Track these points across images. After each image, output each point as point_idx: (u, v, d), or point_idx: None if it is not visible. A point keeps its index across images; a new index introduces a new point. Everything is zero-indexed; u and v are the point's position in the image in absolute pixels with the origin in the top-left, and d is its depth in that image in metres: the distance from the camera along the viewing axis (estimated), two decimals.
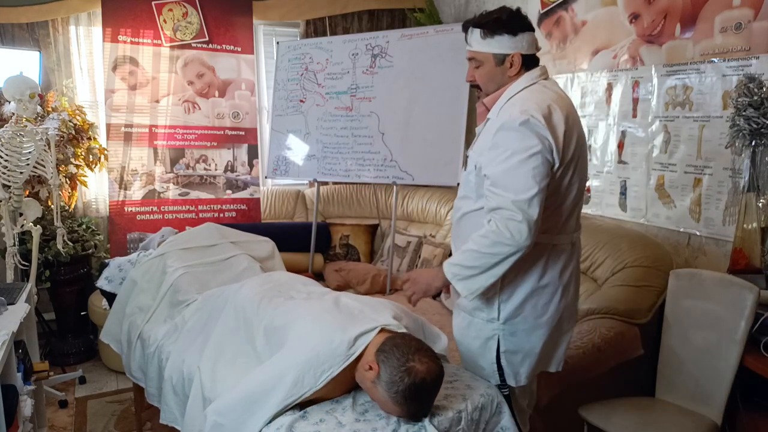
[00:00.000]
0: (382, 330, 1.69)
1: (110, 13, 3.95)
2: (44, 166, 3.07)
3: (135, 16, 4.02)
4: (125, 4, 3.98)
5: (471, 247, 1.62)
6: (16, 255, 2.97)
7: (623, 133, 3.09)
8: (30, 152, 2.93)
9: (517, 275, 1.73)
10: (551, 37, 3.56)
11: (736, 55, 2.49)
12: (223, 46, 4.26)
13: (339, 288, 3.78)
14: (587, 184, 3.33)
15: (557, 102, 1.67)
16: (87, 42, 4.08)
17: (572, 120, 1.69)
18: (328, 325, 1.72)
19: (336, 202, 4.56)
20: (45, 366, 2.44)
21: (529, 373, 1.81)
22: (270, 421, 1.58)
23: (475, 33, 1.73)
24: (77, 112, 3.79)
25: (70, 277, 3.68)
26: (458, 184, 1.94)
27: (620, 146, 3.11)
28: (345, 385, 1.69)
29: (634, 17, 2.98)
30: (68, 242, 3.48)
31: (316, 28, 4.60)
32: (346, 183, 4.54)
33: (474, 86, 1.83)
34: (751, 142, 2.23)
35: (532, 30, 1.75)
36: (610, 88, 3.15)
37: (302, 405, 1.63)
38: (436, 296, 3.65)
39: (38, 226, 3.09)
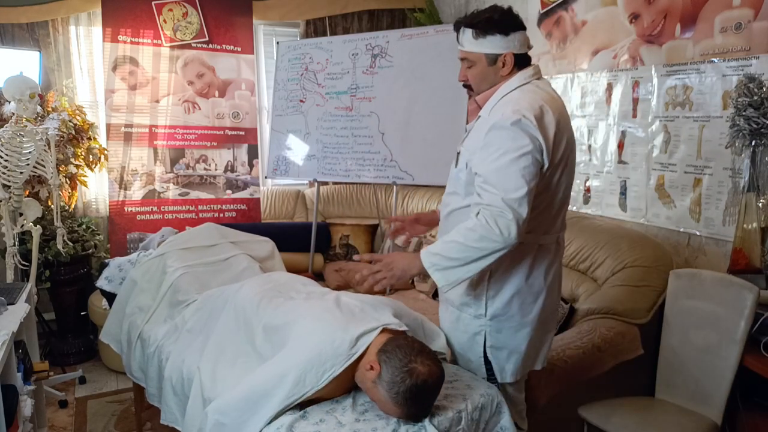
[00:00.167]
0: (384, 330, 1.69)
1: (110, 13, 3.95)
2: (44, 166, 3.07)
3: (135, 16, 4.02)
4: (125, 4, 3.98)
5: (455, 238, 1.60)
6: (16, 255, 2.97)
7: (623, 133, 3.09)
8: (30, 152, 2.93)
9: (504, 273, 1.74)
10: (551, 37, 3.56)
11: (736, 55, 2.49)
12: (223, 46, 4.27)
13: (339, 288, 3.77)
14: (587, 184, 3.34)
15: (549, 103, 1.68)
16: (87, 42, 4.08)
17: (563, 121, 1.70)
18: (330, 324, 1.72)
19: (336, 202, 4.56)
20: (45, 366, 2.44)
21: (514, 371, 1.82)
22: (271, 421, 1.58)
23: (467, 33, 1.73)
24: (77, 112, 3.79)
25: (70, 277, 3.68)
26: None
27: (620, 146, 3.11)
28: (345, 385, 1.69)
29: (634, 17, 2.98)
30: (68, 242, 3.48)
31: (316, 28, 4.60)
32: (346, 183, 4.54)
33: (466, 86, 1.83)
34: (751, 142, 2.23)
35: (524, 29, 1.75)
36: (610, 88, 3.15)
37: (302, 405, 1.63)
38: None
39: (38, 226, 3.09)
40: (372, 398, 1.62)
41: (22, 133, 2.91)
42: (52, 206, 3.28)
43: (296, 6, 4.49)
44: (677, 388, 2.33)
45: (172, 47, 4.12)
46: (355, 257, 1.84)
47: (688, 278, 2.39)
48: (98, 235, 3.88)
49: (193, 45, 4.18)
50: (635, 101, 3.00)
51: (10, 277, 2.97)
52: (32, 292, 2.68)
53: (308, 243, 4.09)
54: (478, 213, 1.59)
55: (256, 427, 1.57)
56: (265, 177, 4.44)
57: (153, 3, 4.05)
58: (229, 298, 2.13)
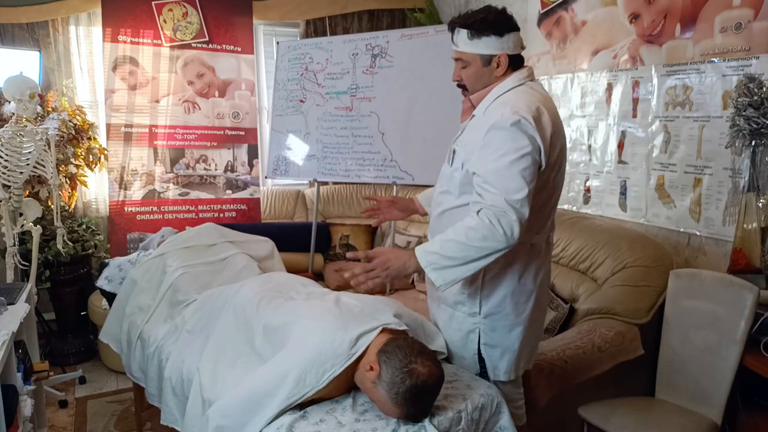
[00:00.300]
0: (384, 330, 1.69)
1: (110, 13, 3.95)
2: (44, 166, 3.07)
3: (135, 16, 4.02)
4: (125, 4, 3.98)
5: (455, 238, 1.59)
6: (16, 255, 2.97)
7: (623, 133, 3.09)
8: (30, 152, 2.93)
9: (498, 272, 1.75)
10: (551, 37, 3.56)
11: (736, 55, 2.49)
12: (223, 46, 4.27)
13: (339, 288, 3.77)
14: (587, 184, 3.34)
15: (544, 104, 1.70)
16: (87, 42, 4.08)
17: (558, 123, 1.73)
18: (330, 324, 1.72)
19: (336, 202, 4.56)
20: (45, 366, 2.44)
21: (507, 370, 1.83)
22: (271, 421, 1.58)
23: (462, 33, 1.74)
24: (77, 112, 3.79)
25: (70, 277, 3.68)
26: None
27: (620, 146, 3.11)
28: (345, 385, 1.69)
29: (634, 17, 2.98)
30: (68, 242, 3.48)
31: (316, 28, 4.60)
32: (346, 183, 4.54)
33: (460, 86, 1.84)
34: (751, 142, 2.23)
35: (518, 30, 1.76)
36: (610, 88, 3.15)
37: (302, 405, 1.63)
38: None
39: (38, 226, 3.09)
40: (372, 398, 1.62)
41: (22, 133, 2.91)
42: (52, 206, 3.28)
43: (296, 6, 4.49)
44: (677, 388, 2.33)
45: (172, 47, 4.12)
46: (349, 254, 1.83)
47: (688, 278, 2.39)
48: (98, 235, 3.88)
49: (193, 45, 4.18)
50: (635, 101, 3.00)
51: (10, 277, 2.97)
52: (32, 292, 2.68)
53: (308, 243, 4.09)
54: (478, 212, 1.59)
55: (256, 428, 1.57)
56: (265, 177, 4.44)
57: (153, 3, 4.05)
58: (229, 298, 2.13)
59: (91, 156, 3.84)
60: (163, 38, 4.09)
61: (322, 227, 4.25)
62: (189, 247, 2.66)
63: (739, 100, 2.22)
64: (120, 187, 4.03)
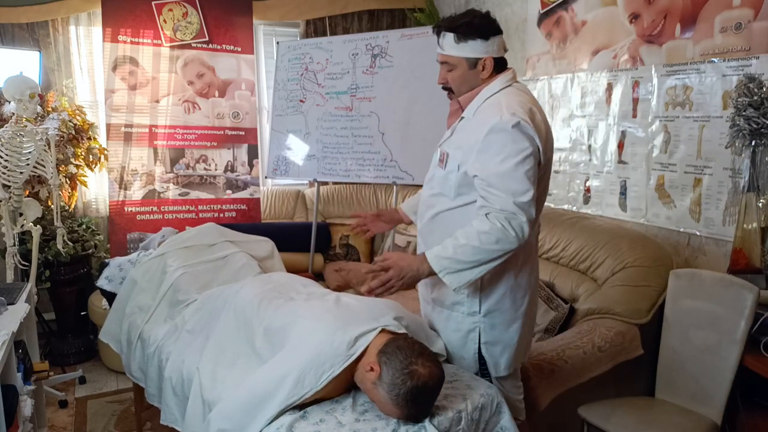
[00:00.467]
0: (383, 331, 1.69)
1: (110, 13, 3.95)
2: (44, 166, 3.07)
3: (135, 16, 4.02)
4: (125, 4, 3.98)
5: (468, 242, 1.62)
6: (16, 255, 2.97)
7: (623, 133, 3.09)
8: (30, 152, 2.93)
9: (497, 271, 1.77)
10: (551, 37, 3.56)
11: (736, 55, 2.49)
12: (223, 46, 4.26)
13: (339, 288, 3.78)
14: (587, 184, 3.34)
15: (534, 105, 1.75)
16: (87, 42, 4.08)
17: (547, 123, 1.77)
18: (329, 324, 1.72)
19: (336, 202, 4.56)
20: (45, 366, 2.44)
21: (508, 364, 1.86)
22: (271, 421, 1.58)
23: (449, 37, 1.76)
24: (77, 112, 3.79)
25: (70, 277, 3.68)
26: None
27: (620, 146, 3.11)
28: (345, 385, 1.69)
29: (634, 17, 2.98)
30: (68, 242, 3.48)
31: (316, 28, 4.60)
32: (346, 183, 4.54)
33: (446, 89, 1.87)
34: (751, 142, 2.23)
35: (501, 33, 1.80)
36: (610, 88, 3.15)
37: (302, 405, 1.63)
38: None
39: (38, 226, 3.09)
40: (372, 399, 1.62)
41: (22, 133, 2.91)
42: (52, 206, 3.28)
43: (296, 6, 4.49)
44: (677, 388, 2.33)
45: (172, 47, 4.12)
46: (365, 271, 1.85)
47: (688, 278, 2.39)
48: (98, 235, 3.88)
49: (193, 45, 4.18)
50: (635, 101, 3.00)
51: (10, 277, 2.97)
52: (32, 292, 2.67)
53: (308, 243, 4.09)
54: (487, 215, 1.62)
55: (257, 430, 1.57)
56: (265, 177, 4.43)
57: (153, 3, 4.05)
58: (230, 298, 2.13)
59: (91, 156, 3.84)
60: (163, 38, 4.09)
61: (322, 227, 4.25)
62: (189, 247, 2.66)
63: (739, 100, 2.22)
64: (120, 187, 4.03)
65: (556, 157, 3.54)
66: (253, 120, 4.38)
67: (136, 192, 4.08)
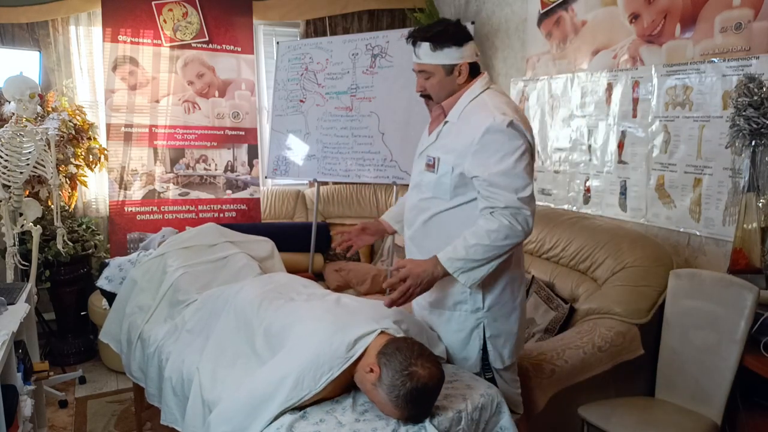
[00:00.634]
0: (383, 332, 1.69)
1: (110, 13, 3.95)
2: (44, 166, 3.07)
3: (135, 16, 4.02)
4: (125, 4, 3.98)
5: (479, 242, 1.69)
6: (16, 255, 2.97)
7: (623, 133, 3.09)
8: (30, 152, 2.93)
9: (498, 266, 1.82)
10: (551, 37, 3.56)
11: (736, 55, 2.49)
12: (223, 46, 4.26)
13: (339, 288, 3.78)
14: (587, 184, 3.34)
15: (515, 105, 1.85)
16: (87, 42, 4.08)
17: (527, 121, 1.85)
18: (329, 326, 1.72)
19: (336, 202, 4.56)
20: (45, 366, 2.44)
21: (510, 354, 1.93)
22: (271, 421, 1.58)
23: (424, 46, 1.82)
24: (77, 112, 3.79)
25: (70, 277, 3.68)
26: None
27: (620, 146, 3.11)
28: (344, 385, 1.69)
29: (634, 17, 2.98)
30: (68, 242, 3.48)
31: (316, 28, 4.60)
32: (346, 183, 4.54)
33: (424, 96, 1.92)
34: (751, 142, 2.23)
35: (473, 39, 1.87)
36: (610, 88, 3.15)
37: (302, 405, 1.63)
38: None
39: (38, 226, 3.09)
40: (372, 400, 1.62)
41: (22, 133, 2.91)
42: (52, 206, 3.28)
43: (296, 6, 4.49)
44: (677, 388, 2.33)
45: (172, 47, 4.12)
46: (385, 285, 1.91)
47: (688, 278, 2.39)
48: (98, 235, 3.88)
49: (193, 45, 4.18)
50: (635, 101, 3.00)
51: (10, 277, 2.97)
52: (32, 292, 2.68)
53: (308, 243, 4.09)
54: (492, 213, 1.70)
55: (256, 430, 1.58)
56: (265, 177, 4.44)
57: (153, 3, 4.05)
58: (230, 298, 2.13)
59: (91, 156, 3.84)
60: (163, 38, 4.09)
61: (322, 227, 4.25)
62: (189, 247, 2.66)
63: (739, 100, 2.22)
64: (120, 187, 4.03)
65: (556, 157, 3.55)
66: (253, 120, 4.38)
67: (136, 192, 4.08)
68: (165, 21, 4.09)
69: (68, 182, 3.73)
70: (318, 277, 3.98)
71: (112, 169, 4.00)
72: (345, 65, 4.04)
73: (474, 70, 1.87)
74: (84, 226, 3.81)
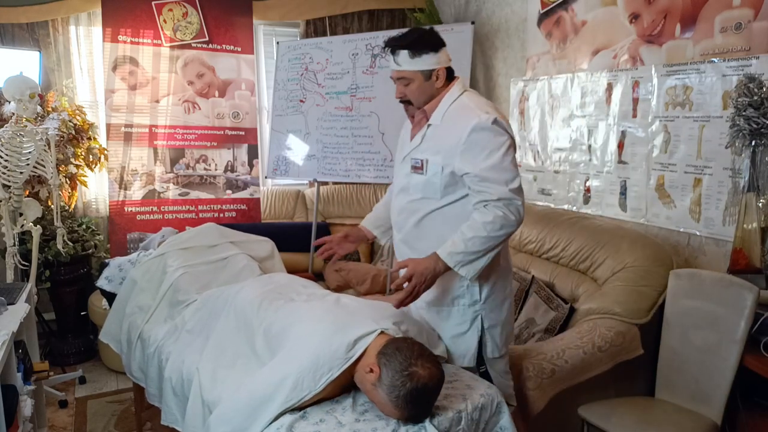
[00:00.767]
0: (382, 332, 1.69)
1: (110, 13, 3.95)
2: (44, 166, 3.07)
3: (135, 16, 4.02)
4: (125, 4, 3.98)
5: (476, 234, 1.76)
6: (16, 255, 2.97)
7: (623, 133, 3.09)
8: (30, 152, 2.93)
9: (492, 258, 1.89)
10: (551, 37, 3.56)
11: (736, 55, 2.49)
12: (223, 46, 4.27)
13: (339, 288, 3.78)
14: (587, 184, 3.34)
15: (494, 105, 1.96)
16: (87, 42, 4.08)
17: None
18: (328, 327, 1.72)
19: (336, 202, 4.56)
20: (45, 366, 2.44)
21: (504, 342, 2.02)
22: (271, 422, 1.58)
23: (403, 54, 1.89)
24: (77, 112, 3.79)
25: (70, 277, 3.68)
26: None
27: (620, 146, 3.11)
28: (344, 385, 1.69)
29: (634, 17, 2.98)
30: (68, 242, 3.48)
31: (316, 28, 4.60)
32: (346, 183, 4.54)
33: (404, 102, 1.98)
34: (751, 142, 2.23)
35: (446, 45, 1.93)
36: (610, 88, 3.15)
37: (302, 405, 1.62)
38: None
39: (38, 226, 3.09)
40: (371, 400, 1.62)
41: (22, 133, 2.91)
42: (52, 206, 3.28)
43: (296, 6, 4.49)
44: (677, 388, 2.33)
45: (172, 47, 4.12)
46: (393, 286, 1.95)
47: (688, 278, 2.39)
48: (98, 235, 3.88)
49: (193, 45, 4.18)
50: (635, 101, 3.00)
51: (10, 277, 2.97)
52: (32, 292, 2.68)
53: (308, 243, 4.09)
54: (485, 206, 1.79)
55: (256, 431, 1.57)
56: (265, 177, 4.43)
57: (153, 3, 4.05)
58: (230, 298, 2.12)
59: (91, 156, 3.84)
60: (163, 38, 4.09)
61: (322, 227, 4.25)
62: (189, 247, 2.66)
63: (739, 100, 2.22)
64: (120, 187, 4.03)
65: (556, 157, 3.55)
66: (253, 120, 4.38)
67: (136, 192, 4.08)
68: (165, 21, 4.09)
69: (68, 182, 3.73)
70: (318, 277, 3.98)
71: (112, 169, 4.01)
72: (345, 65, 4.04)
73: (449, 74, 1.95)
74: (84, 226, 3.81)
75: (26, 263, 3.07)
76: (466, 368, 1.95)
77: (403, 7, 4.72)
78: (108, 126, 4.00)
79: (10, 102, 3.07)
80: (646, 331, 2.48)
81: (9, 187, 2.91)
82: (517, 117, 3.84)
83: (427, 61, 1.88)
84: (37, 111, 3.16)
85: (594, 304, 2.59)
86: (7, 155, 2.86)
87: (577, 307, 2.70)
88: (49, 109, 3.64)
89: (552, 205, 3.57)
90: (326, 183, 4.55)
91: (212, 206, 4.26)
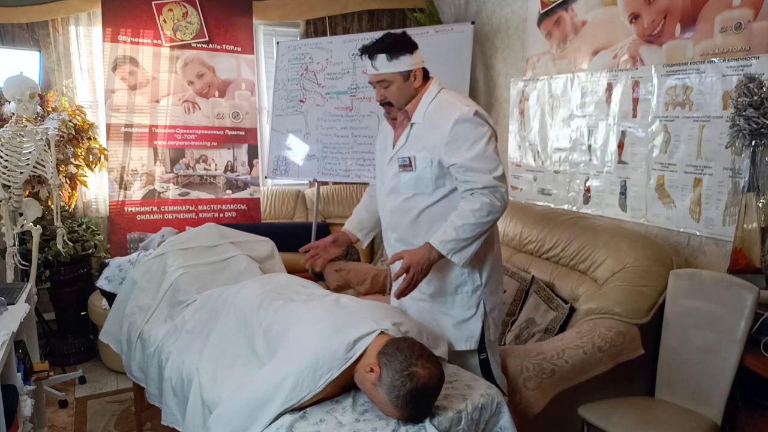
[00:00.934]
0: (382, 333, 1.69)
1: (110, 13, 3.95)
2: (44, 166, 3.07)
3: (135, 16, 4.02)
4: (125, 4, 3.98)
5: (466, 221, 1.85)
6: (16, 255, 2.98)
7: (623, 133, 3.09)
8: (30, 152, 2.93)
9: (487, 243, 1.99)
10: (551, 37, 3.56)
11: (736, 55, 2.49)
12: (223, 46, 4.27)
13: (339, 288, 3.78)
14: (587, 184, 3.34)
15: (471, 100, 2.04)
16: (87, 42, 4.08)
17: None
18: (328, 327, 1.72)
19: (336, 202, 4.56)
20: (45, 366, 2.44)
21: (498, 323, 2.12)
22: (271, 422, 1.58)
23: (381, 58, 1.95)
24: (77, 112, 3.79)
25: (70, 277, 3.68)
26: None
27: (620, 146, 3.11)
28: (344, 384, 1.69)
29: (634, 17, 2.98)
30: (68, 242, 3.48)
31: (316, 28, 4.60)
32: (346, 183, 4.54)
33: (384, 104, 2.04)
34: (751, 142, 2.23)
35: (418, 47, 2.01)
36: (610, 88, 3.15)
37: (302, 405, 1.62)
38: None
39: (38, 226, 3.09)
40: (371, 400, 1.62)
41: (22, 133, 2.91)
42: (52, 206, 3.28)
43: (296, 6, 4.49)
44: (677, 388, 2.33)
45: (172, 47, 4.12)
46: (394, 278, 1.99)
47: (688, 278, 2.39)
48: (98, 235, 3.88)
49: (193, 45, 4.18)
50: (635, 101, 3.00)
51: (10, 277, 2.97)
52: (32, 292, 2.68)
53: (308, 243, 4.08)
54: (472, 194, 1.87)
55: (256, 431, 1.57)
56: (265, 177, 4.43)
57: (153, 3, 4.05)
58: (229, 299, 2.13)
59: (91, 156, 3.84)
60: (163, 38, 4.09)
61: (322, 227, 4.25)
62: (189, 247, 2.66)
63: (739, 100, 2.22)
64: (120, 187, 4.03)
65: (556, 157, 3.55)
66: (253, 120, 4.38)
67: (136, 192, 4.08)
68: (165, 21, 4.09)
69: (68, 182, 3.73)
70: (318, 277, 3.98)
71: (112, 169, 4.01)
72: (345, 65, 4.04)
73: (425, 75, 2.02)
74: (84, 226, 3.81)
75: (26, 263, 3.07)
76: (468, 354, 2.02)
77: (403, 7, 4.72)
78: (108, 126, 4.00)
79: (10, 102, 3.08)
80: (646, 331, 2.48)
81: (9, 187, 2.91)
82: (517, 117, 3.84)
83: (405, 63, 1.95)
84: (37, 111, 3.16)
85: (594, 304, 2.59)
86: (7, 155, 2.86)
87: (577, 307, 2.70)
88: (49, 109, 3.64)
89: (552, 205, 3.57)
90: (326, 183, 4.55)
91: (212, 206, 4.26)
